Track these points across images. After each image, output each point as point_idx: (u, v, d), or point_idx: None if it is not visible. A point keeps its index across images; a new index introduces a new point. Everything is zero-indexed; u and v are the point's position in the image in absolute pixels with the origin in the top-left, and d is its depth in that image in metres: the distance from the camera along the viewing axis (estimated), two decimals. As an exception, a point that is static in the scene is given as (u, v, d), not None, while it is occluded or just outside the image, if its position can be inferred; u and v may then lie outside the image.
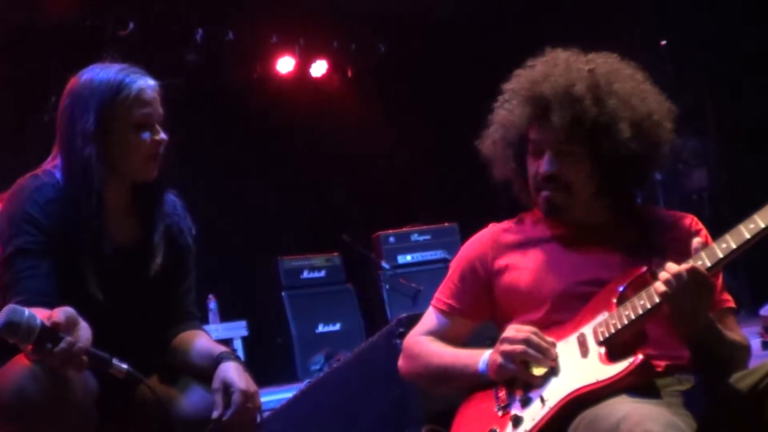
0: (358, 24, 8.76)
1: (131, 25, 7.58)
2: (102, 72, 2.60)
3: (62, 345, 2.18)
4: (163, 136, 2.61)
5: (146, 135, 2.58)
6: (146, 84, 2.60)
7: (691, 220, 2.58)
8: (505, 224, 2.72)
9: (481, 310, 2.65)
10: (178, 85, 7.35)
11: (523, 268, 2.57)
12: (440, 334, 2.66)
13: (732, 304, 2.50)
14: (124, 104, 2.56)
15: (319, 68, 8.92)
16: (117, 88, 2.56)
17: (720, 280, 2.45)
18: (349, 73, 9.11)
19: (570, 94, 2.48)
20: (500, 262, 2.61)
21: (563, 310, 2.44)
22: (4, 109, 6.89)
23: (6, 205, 2.55)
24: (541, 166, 2.52)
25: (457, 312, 2.66)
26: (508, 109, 2.60)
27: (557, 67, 2.56)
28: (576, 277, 2.47)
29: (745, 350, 2.41)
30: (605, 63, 2.59)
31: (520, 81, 2.61)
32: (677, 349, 2.37)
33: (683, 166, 7.93)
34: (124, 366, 2.31)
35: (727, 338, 2.32)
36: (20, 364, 2.31)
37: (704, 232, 2.53)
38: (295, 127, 8.62)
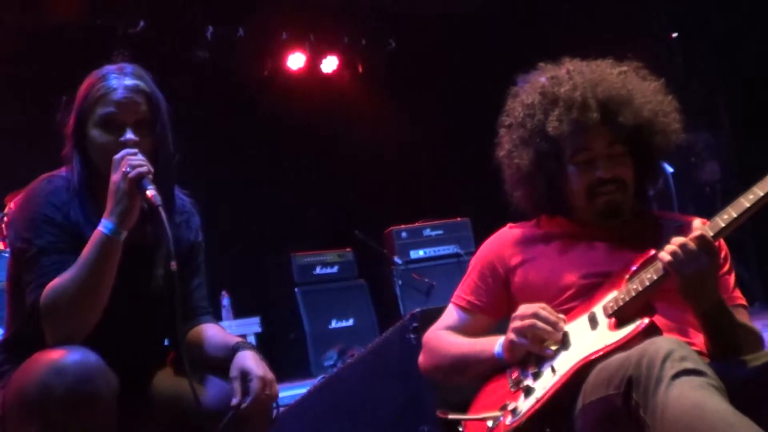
0: (369, 20, 8.76)
1: (142, 24, 7.60)
2: (94, 73, 2.61)
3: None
4: (127, 137, 2.51)
5: (111, 135, 2.53)
6: (119, 84, 2.54)
7: (699, 222, 2.60)
8: (523, 224, 2.80)
9: (499, 307, 2.72)
10: (188, 82, 7.40)
11: (539, 262, 2.65)
12: (459, 330, 2.74)
13: (743, 301, 2.56)
14: (93, 103, 2.54)
15: (329, 64, 8.93)
16: (91, 88, 2.56)
17: (732, 279, 2.54)
18: (360, 69, 9.11)
19: (623, 95, 2.55)
20: (517, 259, 2.69)
21: (577, 302, 2.51)
22: (15, 108, 6.91)
23: (22, 208, 2.56)
24: (598, 171, 2.56)
25: (477, 308, 2.74)
26: (552, 123, 2.57)
27: (593, 74, 2.60)
28: (590, 269, 2.54)
29: (757, 338, 2.45)
30: (624, 65, 2.66)
31: (551, 92, 2.61)
32: (691, 336, 2.43)
33: (695, 158, 7.91)
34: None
35: (738, 321, 2.38)
36: (43, 360, 2.32)
37: None
38: (306, 123, 8.63)
